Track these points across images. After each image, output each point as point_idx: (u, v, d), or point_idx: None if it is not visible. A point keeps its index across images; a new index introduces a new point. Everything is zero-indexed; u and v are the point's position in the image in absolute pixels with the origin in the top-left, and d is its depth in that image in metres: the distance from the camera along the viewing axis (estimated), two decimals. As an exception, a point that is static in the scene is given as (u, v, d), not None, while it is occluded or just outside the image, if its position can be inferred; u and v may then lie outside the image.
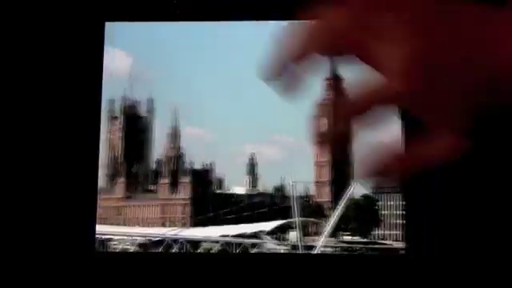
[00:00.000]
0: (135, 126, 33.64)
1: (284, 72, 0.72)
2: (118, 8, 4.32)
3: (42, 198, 4.14)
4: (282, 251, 22.84)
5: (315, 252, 20.73)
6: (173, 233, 24.79)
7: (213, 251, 21.65)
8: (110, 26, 5.87)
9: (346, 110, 0.70)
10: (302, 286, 4.93)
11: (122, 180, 30.83)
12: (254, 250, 22.39)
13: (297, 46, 0.68)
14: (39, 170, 4.12)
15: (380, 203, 28.41)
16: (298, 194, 26.91)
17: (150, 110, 36.42)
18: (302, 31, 0.67)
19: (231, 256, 16.99)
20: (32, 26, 4.19)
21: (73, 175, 4.20)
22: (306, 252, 22.35)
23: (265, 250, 22.88)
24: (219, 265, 4.81)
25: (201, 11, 4.52)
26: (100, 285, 4.23)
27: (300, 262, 5.23)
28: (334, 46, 0.69)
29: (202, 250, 21.49)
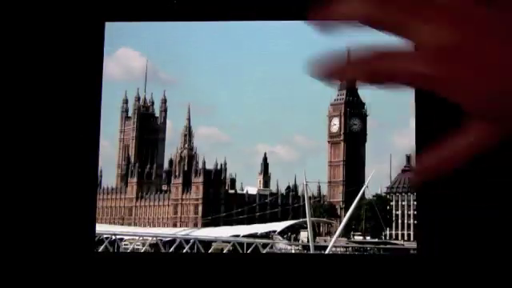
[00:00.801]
0: (148, 126, 33.77)
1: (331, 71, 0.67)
2: (117, 8, 4.30)
3: (42, 198, 4.13)
4: (293, 251, 22.94)
5: (326, 252, 20.76)
6: (184, 233, 24.73)
7: (224, 251, 21.67)
8: (124, 27, 5.83)
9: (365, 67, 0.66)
10: (313, 287, 4.90)
11: (134, 180, 30.95)
12: (265, 250, 22.46)
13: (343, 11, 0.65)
14: (38, 171, 4.11)
15: (392, 203, 28.22)
16: (310, 194, 26.87)
17: (163, 110, 36.14)
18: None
19: (242, 256, 16.94)
20: (33, 26, 4.18)
21: (72, 176, 4.18)
22: (317, 252, 22.37)
23: (276, 250, 22.96)
24: (230, 265, 4.78)
25: (205, 10, 4.50)
26: (100, 285, 4.21)
27: (311, 262, 5.19)
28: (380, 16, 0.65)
29: (213, 250, 21.49)
